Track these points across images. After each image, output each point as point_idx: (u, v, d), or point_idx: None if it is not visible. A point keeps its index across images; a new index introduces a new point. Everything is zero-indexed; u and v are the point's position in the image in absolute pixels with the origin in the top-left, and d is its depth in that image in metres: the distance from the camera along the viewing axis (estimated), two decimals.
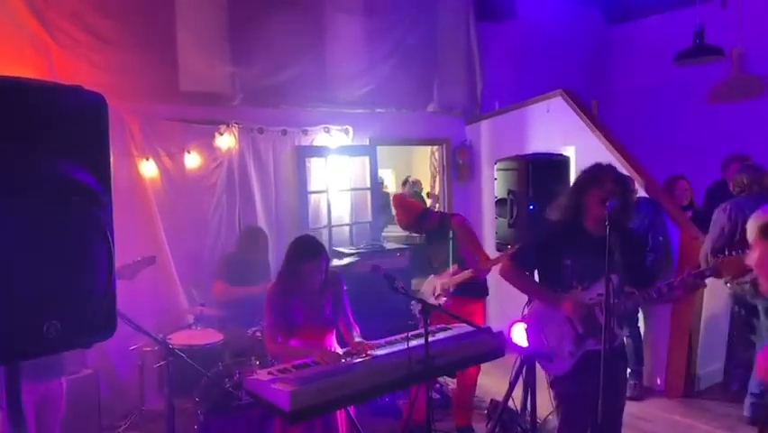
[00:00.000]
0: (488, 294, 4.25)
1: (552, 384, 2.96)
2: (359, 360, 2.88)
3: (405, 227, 4.45)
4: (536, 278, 3.06)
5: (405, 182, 9.86)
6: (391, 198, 5.09)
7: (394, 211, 4.40)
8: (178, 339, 3.90)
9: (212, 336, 4.04)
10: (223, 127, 5.13)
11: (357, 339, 3.15)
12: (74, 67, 4.38)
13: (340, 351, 3.10)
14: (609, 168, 2.83)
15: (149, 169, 4.78)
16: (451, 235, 4.10)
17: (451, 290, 4.03)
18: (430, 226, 4.24)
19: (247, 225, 5.15)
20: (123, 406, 4.52)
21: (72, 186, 1.24)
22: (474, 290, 4.09)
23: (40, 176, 1.19)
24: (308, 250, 3.12)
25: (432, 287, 4.22)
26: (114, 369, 4.57)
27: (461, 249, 4.06)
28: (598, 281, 2.64)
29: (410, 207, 4.32)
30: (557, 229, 2.91)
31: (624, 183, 2.81)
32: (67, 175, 1.23)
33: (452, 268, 4.08)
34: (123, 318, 2.29)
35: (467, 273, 3.91)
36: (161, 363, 3.38)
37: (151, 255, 3.55)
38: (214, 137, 5.09)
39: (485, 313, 4.20)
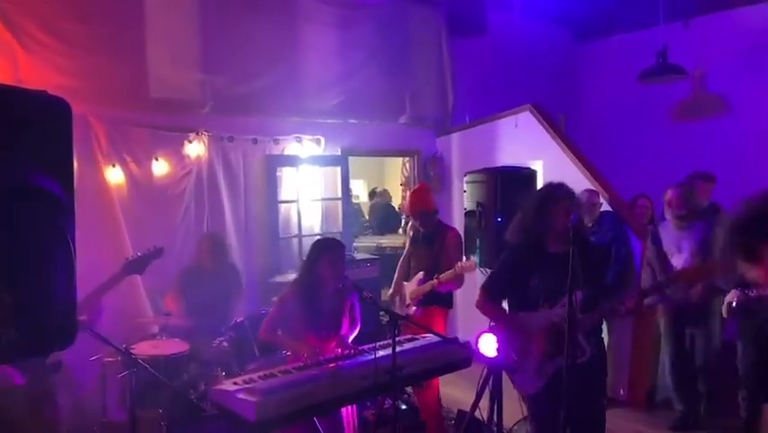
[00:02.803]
0: (452, 306, 4.31)
1: (526, 401, 3.02)
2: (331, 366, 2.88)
3: (409, 213, 4.57)
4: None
5: (372, 193, 9.90)
6: (416, 185, 5.34)
7: (407, 198, 4.49)
8: (142, 349, 3.82)
9: (177, 347, 3.97)
10: (192, 135, 5.07)
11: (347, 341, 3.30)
12: (40, 71, 4.29)
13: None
14: (562, 185, 2.95)
15: (114, 175, 4.69)
16: (436, 245, 4.14)
17: (420, 299, 4.08)
18: (426, 227, 4.26)
19: (202, 233, 5.04)
20: (83, 418, 4.39)
21: (31, 191, 1.21)
22: (440, 300, 4.15)
23: None
24: (327, 246, 3.28)
25: (404, 296, 4.26)
26: (73, 380, 4.44)
27: (446, 259, 4.08)
28: (564, 298, 2.69)
29: (428, 201, 4.34)
30: (522, 251, 2.97)
31: (574, 198, 2.94)
32: (26, 179, 1.21)
33: (418, 275, 4.13)
34: (84, 327, 2.24)
35: (428, 286, 3.99)
36: (124, 373, 3.31)
37: (160, 247, 3.32)
38: (183, 145, 5.03)
39: (446, 323, 4.27)
